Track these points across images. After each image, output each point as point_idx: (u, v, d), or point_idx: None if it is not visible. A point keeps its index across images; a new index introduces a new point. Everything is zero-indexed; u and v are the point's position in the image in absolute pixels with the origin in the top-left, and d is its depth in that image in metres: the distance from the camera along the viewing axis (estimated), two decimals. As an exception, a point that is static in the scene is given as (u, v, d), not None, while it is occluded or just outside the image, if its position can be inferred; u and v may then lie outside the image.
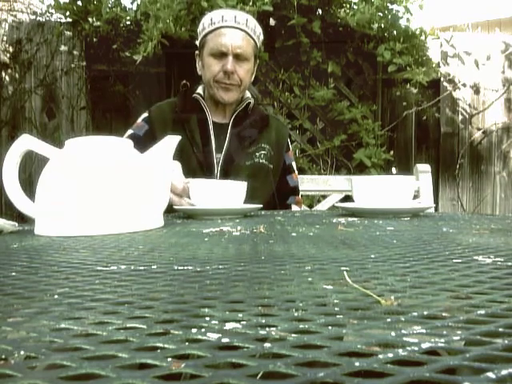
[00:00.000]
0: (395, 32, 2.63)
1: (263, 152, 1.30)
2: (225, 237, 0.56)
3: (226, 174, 1.23)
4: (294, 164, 1.43)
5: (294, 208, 1.38)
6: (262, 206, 0.95)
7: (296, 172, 1.43)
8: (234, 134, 1.28)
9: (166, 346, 0.19)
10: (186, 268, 0.35)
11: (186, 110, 1.29)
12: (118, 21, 2.52)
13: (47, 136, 2.79)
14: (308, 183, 1.55)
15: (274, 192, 1.32)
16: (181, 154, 1.03)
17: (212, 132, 1.27)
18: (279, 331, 0.20)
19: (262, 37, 1.31)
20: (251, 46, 1.25)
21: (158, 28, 2.14)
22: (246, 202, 0.92)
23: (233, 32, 1.22)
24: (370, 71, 2.81)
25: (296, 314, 0.23)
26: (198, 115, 1.28)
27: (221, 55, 1.22)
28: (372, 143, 2.68)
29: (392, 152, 2.78)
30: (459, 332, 0.20)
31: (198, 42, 1.31)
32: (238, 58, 1.23)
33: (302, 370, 0.16)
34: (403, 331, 0.20)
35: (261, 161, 1.29)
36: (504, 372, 0.16)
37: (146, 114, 1.31)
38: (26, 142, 0.66)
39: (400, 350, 0.18)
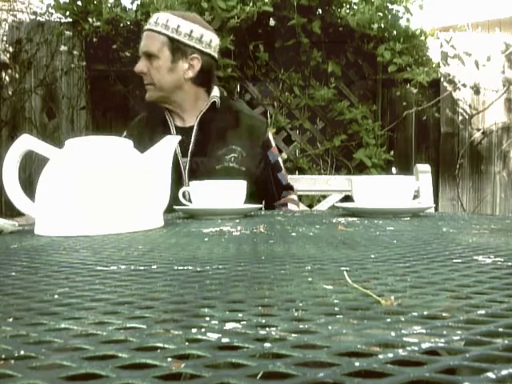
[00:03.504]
0: (395, 32, 2.63)
1: (233, 155, 1.25)
2: (225, 237, 0.56)
3: (195, 178, 1.20)
4: (280, 160, 1.39)
5: (291, 206, 1.35)
6: (261, 206, 0.95)
7: (284, 170, 1.39)
8: (200, 138, 1.25)
9: (165, 346, 0.19)
10: (185, 268, 0.35)
11: (151, 120, 1.32)
12: (118, 21, 2.52)
13: (47, 136, 2.79)
14: (308, 183, 1.55)
15: (257, 193, 1.27)
16: None
17: (174, 134, 1.24)
18: (279, 331, 0.20)
19: (189, 30, 1.22)
20: (159, 41, 1.21)
21: None
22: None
23: (144, 34, 1.24)
24: (370, 71, 2.81)
25: (296, 314, 0.23)
26: (165, 123, 1.29)
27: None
28: (372, 143, 2.68)
29: (392, 152, 2.78)
30: (459, 332, 0.20)
31: None
32: (149, 57, 1.22)
33: (302, 370, 0.16)
34: (403, 331, 0.20)
35: (231, 164, 1.25)
36: (504, 372, 0.16)
37: (124, 133, 1.34)
38: (26, 142, 0.66)
39: (400, 350, 0.18)
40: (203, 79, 1.28)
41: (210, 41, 1.26)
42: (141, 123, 1.36)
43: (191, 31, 1.22)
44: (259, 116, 1.53)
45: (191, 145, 1.24)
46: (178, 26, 1.21)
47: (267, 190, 1.36)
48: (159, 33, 1.21)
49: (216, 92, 1.32)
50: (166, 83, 1.24)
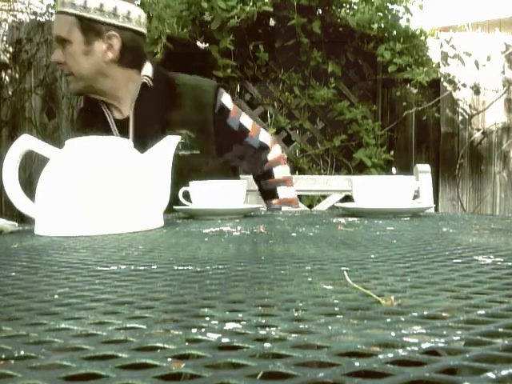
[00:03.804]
0: (395, 32, 2.63)
1: (180, 141, 1.10)
2: (225, 237, 0.56)
3: None
4: (245, 120, 1.19)
5: (278, 171, 1.20)
6: (261, 206, 0.94)
7: (254, 129, 1.20)
8: (139, 129, 1.09)
9: (165, 346, 0.19)
10: (185, 268, 0.35)
11: (89, 116, 1.18)
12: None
13: (47, 136, 2.79)
14: (308, 183, 1.55)
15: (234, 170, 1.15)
16: None
17: (116, 131, 1.12)
18: (279, 331, 0.20)
19: (98, 5, 1.04)
20: (68, 23, 1.04)
21: (165, 32, 2.14)
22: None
23: (54, 18, 1.08)
24: (370, 71, 2.81)
25: (296, 314, 0.23)
26: (104, 118, 1.14)
27: None
28: (372, 143, 2.68)
29: (392, 152, 2.78)
30: (459, 332, 0.20)
31: None
32: (62, 43, 1.06)
33: (302, 370, 0.16)
34: (403, 331, 0.20)
35: (180, 153, 1.07)
36: (504, 372, 0.16)
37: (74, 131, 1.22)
38: (26, 142, 0.66)
39: (400, 350, 0.18)
40: (131, 59, 1.10)
41: (128, 13, 1.07)
42: (78, 121, 1.22)
43: (101, 5, 1.04)
44: (207, 81, 1.23)
45: (130, 139, 1.04)
46: (85, 2, 1.03)
47: (240, 160, 1.21)
48: (67, 13, 1.04)
49: (147, 70, 1.12)
50: (85, 70, 1.07)
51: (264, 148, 1.22)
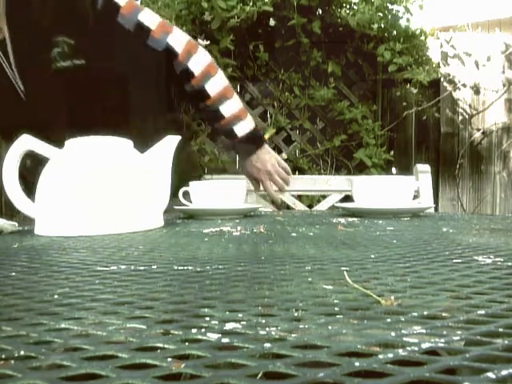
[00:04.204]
0: (395, 32, 2.63)
1: (57, 49, 0.89)
2: (225, 237, 0.56)
3: (34, 97, 0.89)
4: (144, 17, 0.93)
5: (212, 86, 0.99)
6: (260, 206, 0.91)
7: (154, 27, 0.94)
8: (18, 46, 0.91)
9: (165, 346, 0.19)
10: (185, 268, 0.35)
11: None
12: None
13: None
14: (308, 183, 1.55)
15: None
16: None
17: None
18: (279, 331, 0.20)
19: None
20: None
21: None
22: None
23: None
24: (370, 71, 2.81)
25: (296, 314, 0.23)
26: None
27: None
28: (372, 143, 2.68)
29: (392, 152, 2.78)
30: (459, 332, 0.20)
31: None
32: None
33: (302, 370, 0.16)
34: (403, 331, 0.20)
35: (59, 65, 0.88)
36: (504, 372, 0.16)
37: None
38: (26, 142, 0.66)
39: (400, 350, 0.18)
40: None
41: None
42: None
43: None
44: None
45: (11, 59, 0.90)
46: None
47: (146, 71, 0.98)
48: None
49: None
50: None
51: (172, 53, 0.96)
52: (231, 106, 1.04)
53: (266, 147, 1.14)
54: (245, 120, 1.07)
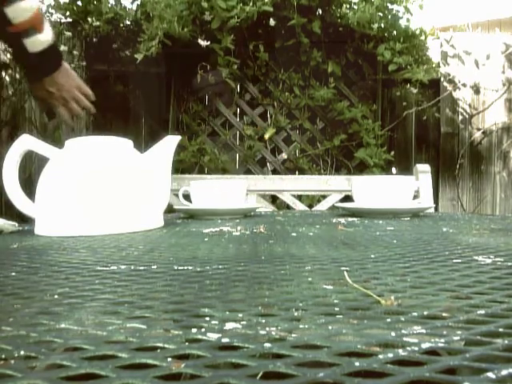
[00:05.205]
0: (395, 32, 2.63)
1: None
2: (225, 237, 0.56)
3: None
4: None
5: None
6: (260, 206, 0.90)
7: None
8: None
9: (166, 346, 0.19)
10: (186, 268, 0.35)
11: None
12: (118, 21, 2.52)
13: (47, 136, 2.79)
14: (308, 183, 1.55)
15: None
16: None
17: None
18: (279, 331, 0.20)
19: None
20: None
21: (163, 28, 2.14)
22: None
23: None
24: (370, 71, 2.80)
25: (296, 314, 0.23)
26: None
27: None
28: (372, 143, 2.68)
29: (392, 152, 2.78)
30: (459, 332, 0.20)
31: None
32: None
33: (302, 370, 0.16)
34: (403, 331, 0.20)
35: None
36: (504, 372, 0.16)
37: None
38: (26, 142, 0.66)
39: (400, 350, 0.18)
40: None
41: None
42: None
43: None
44: None
45: None
46: None
47: None
48: None
49: None
50: None
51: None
52: (25, 10, 0.83)
53: (65, 66, 0.96)
54: (41, 33, 0.87)
